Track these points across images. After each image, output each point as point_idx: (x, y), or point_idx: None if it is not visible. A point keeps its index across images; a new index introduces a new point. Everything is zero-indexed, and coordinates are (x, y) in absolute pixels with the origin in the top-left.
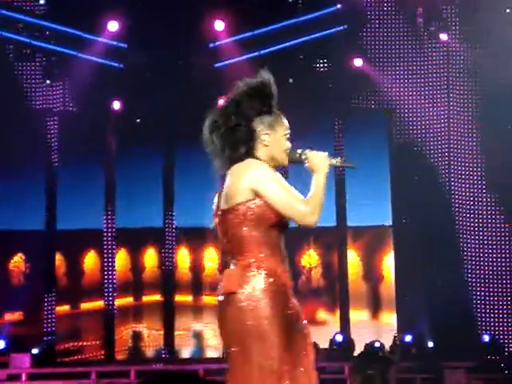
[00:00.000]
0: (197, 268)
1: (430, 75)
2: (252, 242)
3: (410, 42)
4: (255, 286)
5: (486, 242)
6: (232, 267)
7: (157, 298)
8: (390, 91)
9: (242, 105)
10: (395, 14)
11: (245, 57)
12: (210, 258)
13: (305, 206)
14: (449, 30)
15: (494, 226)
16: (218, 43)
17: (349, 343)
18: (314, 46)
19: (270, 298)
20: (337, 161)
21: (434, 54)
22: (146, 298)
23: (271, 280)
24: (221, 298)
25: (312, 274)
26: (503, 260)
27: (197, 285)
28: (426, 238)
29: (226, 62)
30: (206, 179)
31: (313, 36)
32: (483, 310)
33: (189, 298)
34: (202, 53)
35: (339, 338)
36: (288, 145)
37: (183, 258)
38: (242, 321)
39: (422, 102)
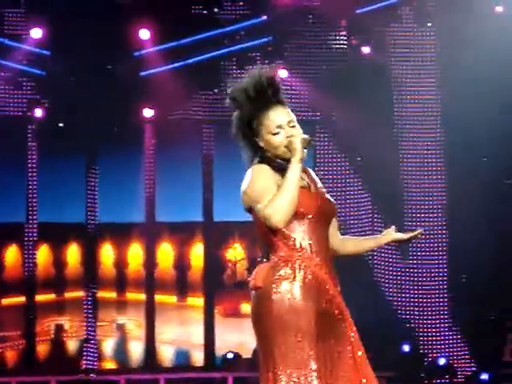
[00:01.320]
0: (121, 264)
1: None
2: (278, 237)
3: (333, 55)
4: (281, 281)
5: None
6: (262, 263)
7: (80, 294)
8: (314, 103)
9: (240, 116)
10: (320, 27)
11: (170, 66)
12: (134, 254)
13: (267, 209)
14: (371, 43)
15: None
16: (143, 52)
17: None
18: (239, 56)
19: (296, 291)
20: (304, 139)
21: (358, 67)
22: (68, 294)
23: (299, 274)
24: (252, 293)
25: (237, 267)
26: (419, 269)
27: (121, 281)
28: None
29: (151, 71)
30: (129, 179)
31: (239, 46)
32: (403, 319)
33: (113, 295)
34: (127, 61)
35: None
36: (277, 140)
37: (107, 253)
38: (266, 315)
39: (347, 113)
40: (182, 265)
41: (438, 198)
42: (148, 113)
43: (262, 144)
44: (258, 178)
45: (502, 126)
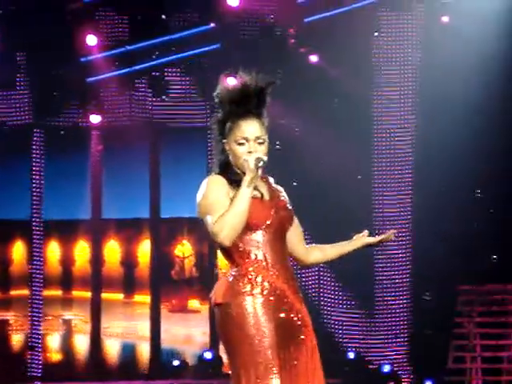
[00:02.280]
0: (67, 261)
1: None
2: (233, 250)
3: (281, 63)
4: (239, 296)
5: None
6: (220, 279)
7: (25, 292)
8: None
9: (215, 118)
10: (268, 35)
11: (117, 72)
12: (81, 251)
13: (215, 226)
14: (319, 52)
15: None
16: (90, 58)
17: (220, 359)
18: (187, 63)
19: (255, 305)
20: (259, 158)
21: (305, 75)
22: (13, 292)
23: (256, 286)
24: (214, 310)
25: (185, 263)
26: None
27: (67, 278)
28: None
29: (98, 77)
30: (79, 173)
31: (186, 53)
32: (347, 326)
33: (58, 292)
34: (73, 67)
35: (208, 355)
36: (240, 151)
37: (53, 251)
38: (229, 330)
39: (292, 121)
40: (129, 262)
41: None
42: (95, 119)
43: (227, 148)
44: (211, 191)
45: (465, 130)
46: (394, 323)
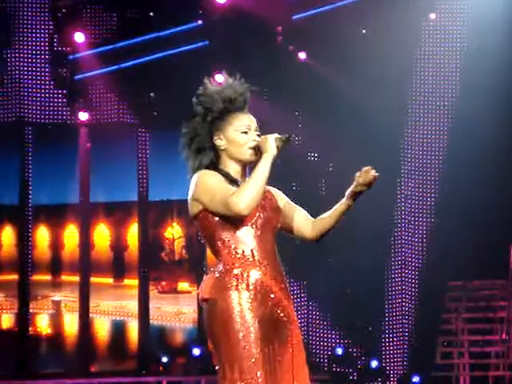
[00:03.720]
0: (56, 246)
1: (284, 93)
2: (220, 246)
3: (269, 60)
4: (225, 291)
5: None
6: (207, 274)
7: (14, 277)
8: (249, 108)
9: (193, 121)
10: (256, 32)
11: (105, 69)
12: (70, 235)
13: (231, 198)
14: (308, 49)
15: None
16: (77, 55)
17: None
18: (174, 60)
19: (240, 300)
20: (282, 138)
21: (294, 72)
22: (2, 277)
23: (242, 282)
24: (202, 305)
25: (175, 245)
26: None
27: (56, 263)
28: None
29: (86, 75)
30: (65, 158)
31: (174, 51)
32: (335, 322)
33: (47, 277)
34: (61, 64)
35: (197, 351)
36: (243, 139)
37: (42, 236)
38: (215, 325)
39: (281, 118)
40: (118, 245)
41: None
42: (83, 116)
43: (220, 143)
44: (209, 179)
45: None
46: (382, 319)
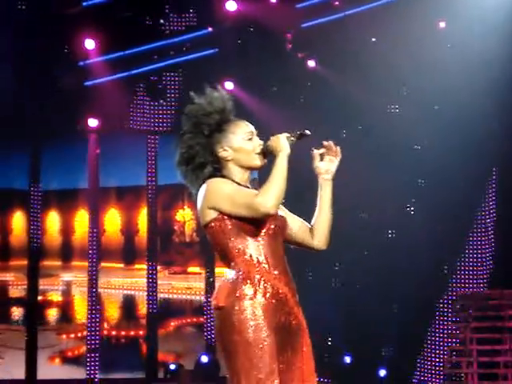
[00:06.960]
0: (66, 231)
1: (296, 101)
2: (235, 254)
3: (279, 68)
4: (242, 300)
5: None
6: (222, 281)
7: (24, 262)
8: (259, 116)
9: (187, 136)
10: (265, 40)
11: (115, 76)
12: (80, 221)
13: (257, 199)
14: (317, 57)
15: None
16: (88, 61)
17: (215, 362)
18: (186, 67)
19: (257, 309)
20: (293, 135)
21: (302, 80)
22: (13, 263)
23: (259, 290)
24: (214, 312)
25: (185, 228)
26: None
27: (67, 249)
28: None
29: (96, 81)
30: (74, 146)
31: (184, 58)
32: (345, 330)
33: (58, 263)
34: (72, 70)
35: (205, 359)
36: (250, 146)
37: (52, 221)
38: (229, 334)
39: (289, 127)
40: (129, 230)
41: None
42: (92, 122)
43: (226, 154)
44: (224, 186)
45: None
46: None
